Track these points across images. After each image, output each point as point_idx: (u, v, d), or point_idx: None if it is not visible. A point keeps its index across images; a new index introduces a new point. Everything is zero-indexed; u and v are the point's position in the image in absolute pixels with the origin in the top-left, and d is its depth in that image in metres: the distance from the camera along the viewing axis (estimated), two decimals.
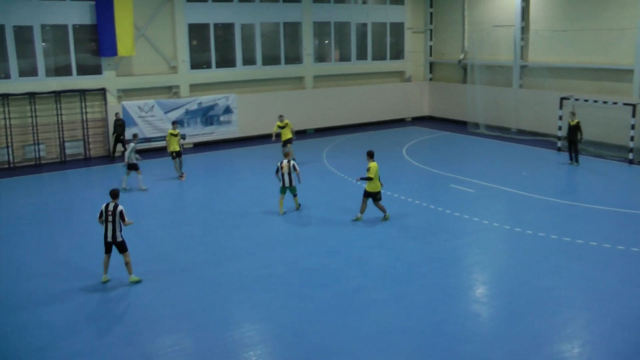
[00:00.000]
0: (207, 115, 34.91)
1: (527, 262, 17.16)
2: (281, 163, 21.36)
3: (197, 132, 34.79)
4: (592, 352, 12.40)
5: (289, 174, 21.35)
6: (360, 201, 20.93)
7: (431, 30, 42.70)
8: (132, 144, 25.45)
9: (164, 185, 26.60)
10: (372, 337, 13.11)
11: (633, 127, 28.66)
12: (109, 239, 15.63)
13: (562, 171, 27.84)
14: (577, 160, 28.32)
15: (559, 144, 31.50)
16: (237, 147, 34.58)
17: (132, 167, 25.35)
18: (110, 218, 15.51)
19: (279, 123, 29.69)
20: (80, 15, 31.49)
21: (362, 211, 20.72)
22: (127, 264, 15.91)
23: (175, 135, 27.05)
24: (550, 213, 21.49)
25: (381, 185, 20.47)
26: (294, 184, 21.63)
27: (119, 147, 31.66)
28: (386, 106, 40.80)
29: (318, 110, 38.21)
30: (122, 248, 15.79)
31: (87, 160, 31.67)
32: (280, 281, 16.24)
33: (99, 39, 31.76)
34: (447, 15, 41.42)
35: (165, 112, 33.60)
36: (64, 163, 31.14)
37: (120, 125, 31.43)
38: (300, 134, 37.05)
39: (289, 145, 27.82)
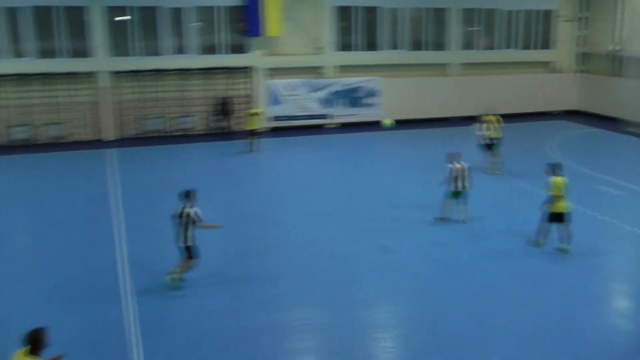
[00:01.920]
0: (351, 97, 35.02)
1: None
2: (455, 165, 18.45)
3: (342, 113, 34.97)
4: None
5: (463, 178, 18.47)
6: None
7: (582, 18, 40.96)
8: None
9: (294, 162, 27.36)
10: (505, 335, 12.42)
11: None
12: (180, 243, 14.22)
13: None
14: None
15: None
16: (380, 129, 34.43)
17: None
18: (180, 221, 14.11)
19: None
20: None
21: (541, 236, 17.01)
22: (184, 266, 14.43)
23: (254, 115, 28.03)
24: None
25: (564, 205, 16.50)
26: (467, 188, 18.71)
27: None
28: (532, 98, 39.34)
29: (463, 99, 37.44)
30: (190, 254, 14.34)
31: (230, 134, 32.59)
32: (412, 267, 15.76)
33: (247, 20, 32.70)
34: (601, 3, 39.48)
35: (310, 92, 34.09)
36: (209, 135, 32.37)
37: (225, 104, 32.47)
38: (445, 121, 36.60)
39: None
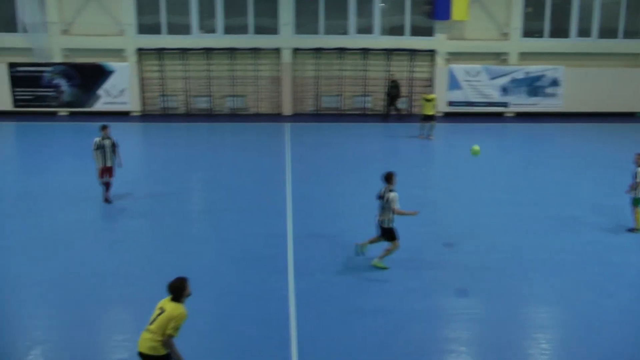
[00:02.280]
0: (533, 86, 33.64)
1: None
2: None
3: (521, 102, 33.65)
4: None
5: None
6: None
7: None
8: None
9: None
10: None
11: None
12: (377, 223, 14.08)
13: None
14: None
15: None
16: (560, 121, 33.18)
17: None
18: (379, 203, 13.91)
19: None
20: None
21: None
22: (388, 250, 14.14)
23: (430, 101, 27.21)
24: None
25: None
26: None
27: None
28: None
29: None
30: (389, 236, 14.05)
31: (408, 117, 32.23)
32: (582, 269, 14.64)
33: (433, 3, 31.97)
34: None
35: (491, 79, 33.07)
36: (384, 116, 32.17)
37: (395, 87, 31.68)
38: (630, 116, 34.65)
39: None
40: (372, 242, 14.49)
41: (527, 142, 28.68)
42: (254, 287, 13.16)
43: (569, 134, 30.71)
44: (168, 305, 8.72)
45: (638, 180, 16.33)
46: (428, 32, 32.73)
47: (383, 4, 32.25)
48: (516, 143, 28.83)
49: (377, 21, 32.24)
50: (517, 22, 33.28)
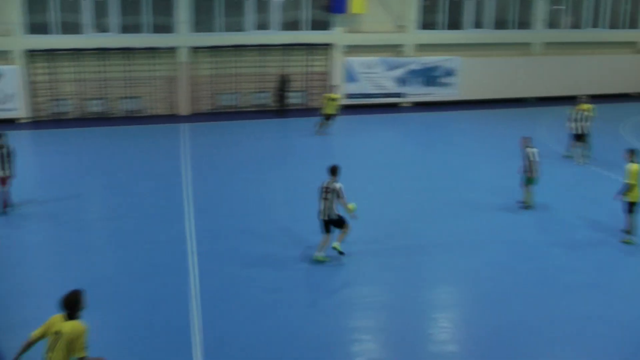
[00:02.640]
0: (429, 76, 34.32)
1: None
2: (529, 150, 18.07)
3: (417, 92, 34.39)
4: None
5: (533, 163, 18.05)
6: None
7: None
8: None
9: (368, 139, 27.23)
10: (568, 319, 12.38)
11: None
12: (322, 216, 14.51)
13: None
14: None
15: None
16: (455, 109, 34.04)
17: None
18: (324, 196, 14.40)
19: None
20: None
21: (629, 229, 16.13)
22: (343, 233, 14.67)
23: (334, 100, 27.30)
24: None
25: None
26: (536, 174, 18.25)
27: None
28: (614, 78, 38.00)
29: (542, 79, 36.38)
30: (340, 224, 14.61)
31: (306, 111, 32.35)
32: (482, 248, 15.80)
33: None
34: None
35: (388, 70, 33.52)
36: (283, 112, 31.96)
37: (284, 82, 31.74)
38: (521, 102, 35.84)
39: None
40: (325, 245, 14.76)
41: (424, 131, 29.63)
42: (157, 293, 13.18)
43: (465, 121, 31.76)
44: (65, 326, 8.02)
45: (532, 159, 17.83)
46: (325, 26, 32.77)
47: None
48: (414, 132, 29.66)
49: (274, 17, 31.94)
50: (413, 14, 33.75)
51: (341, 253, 14.69)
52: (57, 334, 8.01)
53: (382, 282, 14.04)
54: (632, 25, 38.78)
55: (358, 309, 12.84)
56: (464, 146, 26.56)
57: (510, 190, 19.39)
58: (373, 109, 33.04)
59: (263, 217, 17.77)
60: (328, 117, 27.52)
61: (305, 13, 32.45)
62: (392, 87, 33.84)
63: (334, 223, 14.61)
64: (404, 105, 34.30)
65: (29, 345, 8.31)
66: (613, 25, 38.24)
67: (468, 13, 34.88)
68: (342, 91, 32.01)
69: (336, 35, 32.73)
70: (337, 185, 14.40)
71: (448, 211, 18.39)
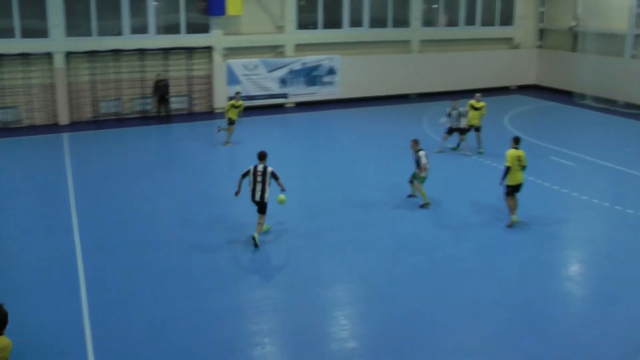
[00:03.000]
0: (310, 76, 34.91)
1: (625, 243, 16.43)
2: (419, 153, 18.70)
3: (300, 92, 34.89)
4: None
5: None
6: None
7: None
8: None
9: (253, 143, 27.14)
10: (461, 305, 13.04)
11: None
12: (257, 198, 15.80)
13: None
14: None
15: None
16: (338, 108, 34.71)
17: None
18: (259, 179, 15.74)
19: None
20: None
21: (512, 211, 17.48)
22: (260, 224, 16.07)
23: (237, 107, 26.91)
24: None
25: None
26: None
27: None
28: (492, 73, 39.44)
29: (422, 75, 37.49)
30: (264, 209, 15.97)
31: (190, 115, 32.47)
32: (373, 243, 16.28)
33: None
34: None
35: (269, 71, 33.91)
36: (167, 117, 31.82)
37: (164, 86, 31.52)
38: (403, 99, 36.79)
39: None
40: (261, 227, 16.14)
41: (309, 131, 30.13)
42: (45, 315, 12.81)
43: (349, 119, 32.47)
44: None
45: (422, 161, 18.41)
46: (204, 28, 32.92)
47: (157, 2, 31.93)
48: (299, 132, 30.12)
49: (151, 20, 31.83)
50: (291, 14, 34.30)
51: (256, 245, 15.82)
52: None
53: (276, 284, 14.35)
54: (507, 22, 40.42)
55: (256, 313, 12.97)
56: (349, 144, 27.23)
57: (399, 187, 20.12)
58: (258, 111, 33.15)
59: (150, 226, 17.69)
60: (231, 122, 27.19)
61: (183, 16, 32.44)
62: (275, 88, 34.23)
63: (265, 206, 15.88)
64: (289, 105, 34.73)
65: None
66: (488, 23, 39.77)
67: (346, 12, 35.65)
68: (224, 93, 32.26)
69: (215, 37, 32.93)
70: (270, 168, 15.85)
71: (338, 209, 18.84)
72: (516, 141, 17.25)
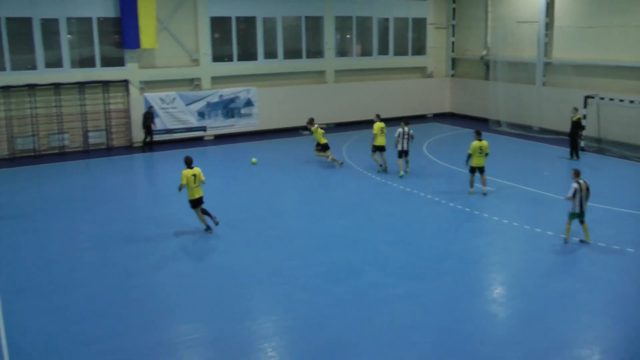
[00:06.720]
0: (228, 108, 35.01)
1: (546, 264, 17.10)
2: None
3: (218, 125, 34.92)
4: (612, 358, 12.37)
5: None
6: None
7: (454, 25, 42.44)
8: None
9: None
10: (386, 332, 13.19)
11: None
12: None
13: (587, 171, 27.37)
14: (577, 156, 28.89)
15: (583, 143, 30.58)
16: (257, 139, 34.80)
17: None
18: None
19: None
20: (105, 8, 31.75)
21: (470, 186, 23.48)
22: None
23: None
24: None
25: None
26: None
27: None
28: (407, 102, 40.58)
29: (338, 105, 38.10)
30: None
31: (109, 150, 32.05)
32: (297, 274, 16.35)
33: (122, 32, 31.96)
34: (470, 11, 41.14)
35: (187, 104, 33.77)
36: (86, 152, 31.42)
37: (148, 114, 31.96)
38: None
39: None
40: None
41: (229, 163, 30.16)
42: None
43: (267, 150, 32.48)
44: None
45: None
46: (120, 62, 32.59)
47: (71, 36, 31.40)
48: (218, 165, 29.85)
49: (65, 53, 31.30)
50: (206, 47, 34.43)
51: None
52: None
53: (199, 318, 14.11)
54: (420, 52, 41.43)
55: (181, 348, 12.80)
56: (268, 175, 27.16)
57: (320, 215, 20.81)
58: (177, 144, 33.08)
59: (68, 265, 17.23)
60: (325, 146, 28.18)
61: (98, 49, 32.04)
62: (194, 121, 34.09)
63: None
64: (207, 138, 34.59)
65: None
66: (401, 52, 40.74)
67: (260, 44, 35.91)
68: (141, 127, 31.91)
69: (131, 71, 32.67)
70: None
71: (258, 241, 18.91)
72: (478, 134, 23.14)
